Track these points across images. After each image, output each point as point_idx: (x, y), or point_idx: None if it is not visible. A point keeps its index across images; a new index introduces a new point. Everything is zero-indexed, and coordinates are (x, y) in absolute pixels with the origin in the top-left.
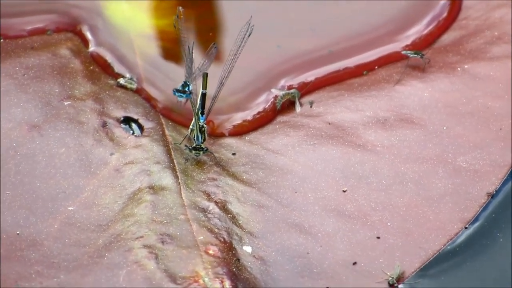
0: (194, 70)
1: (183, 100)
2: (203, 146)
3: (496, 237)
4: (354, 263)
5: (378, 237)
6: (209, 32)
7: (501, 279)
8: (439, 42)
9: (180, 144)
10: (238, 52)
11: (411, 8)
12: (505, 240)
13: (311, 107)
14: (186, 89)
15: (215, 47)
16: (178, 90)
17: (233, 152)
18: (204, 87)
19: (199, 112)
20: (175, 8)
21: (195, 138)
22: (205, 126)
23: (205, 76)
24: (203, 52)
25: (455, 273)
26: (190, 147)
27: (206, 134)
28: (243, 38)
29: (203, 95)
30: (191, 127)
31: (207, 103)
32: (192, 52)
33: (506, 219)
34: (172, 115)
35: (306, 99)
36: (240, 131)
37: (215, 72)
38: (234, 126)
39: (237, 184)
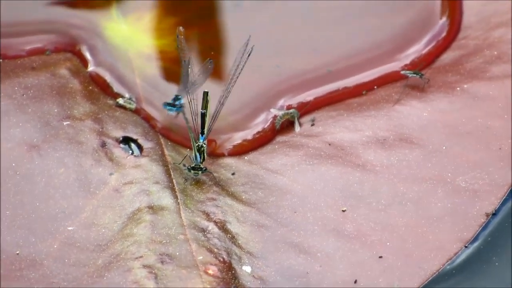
0: (188, 84)
1: (173, 114)
2: (202, 166)
3: (493, 261)
4: (355, 281)
5: (380, 257)
6: (210, 51)
7: None
8: (439, 62)
9: (180, 164)
10: (237, 72)
11: (410, 27)
12: (501, 264)
13: (312, 125)
14: (177, 102)
15: (211, 62)
16: (168, 104)
17: (233, 172)
18: (204, 107)
19: (201, 131)
20: (174, 28)
21: (194, 157)
22: (204, 145)
23: (205, 96)
24: (199, 68)
25: None
26: (189, 167)
27: (205, 154)
28: (242, 57)
29: (203, 115)
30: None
31: (207, 122)
32: (189, 67)
33: (504, 242)
34: (171, 135)
35: (306, 118)
36: (240, 151)
37: (214, 91)
38: (233, 146)
39: (237, 204)
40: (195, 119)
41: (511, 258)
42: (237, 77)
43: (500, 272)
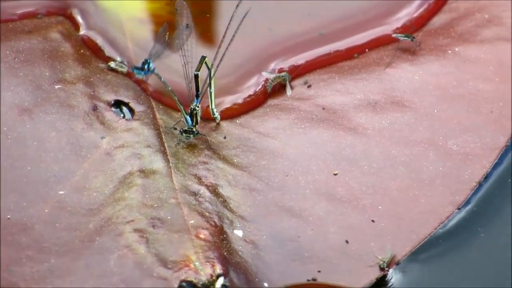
0: (158, 49)
1: (142, 77)
2: (194, 129)
3: (485, 225)
4: (346, 241)
5: (372, 221)
6: (202, 15)
7: (488, 264)
8: (430, 25)
9: (171, 128)
10: (232, 36)
11: None
12: (493, 229)
13: (309, 86)
14: (146, 66)
15: (187, 27)
16: (136, 68)
17: (224, 135)
18: (198, 68)
19: (196, 94)
20: None
21: (184, 121)
22: (197, 109)
23: (202, 60)
24: (175, 33)
25: (446, 259)
26: (181, 130)
27: (198, 117)
28: (232, 19)
29: (196, 77)
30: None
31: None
32: (165, 32)
33: (497, 206)
34: (162, 99)
35: (298, 82)
36: (231, 114)
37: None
38: (224, 109)
39: (228, 167)
40: (189, 83)
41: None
42: (231, 41)
43: (493, 237)
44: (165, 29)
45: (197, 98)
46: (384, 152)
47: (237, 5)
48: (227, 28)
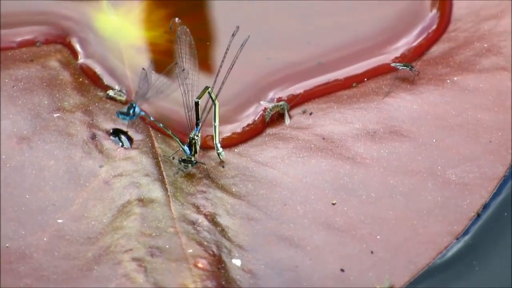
0: (144, 92)
1: (127, 122)
2: (192, 159)
3: (483, 255)
4: (343, 271)
5: (371, 252)
6: (199, 43)
7: None
8: (429, 54)
9: (170, 156)
10: (231, 65)
11: (401, 20)
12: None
13: (310, 113)
14: (131, 111)
15: (177, 65)
16: (121, 112)
17: (222, 164)
18: (199, 96)
19: (196, 123)
20: (164, 20)
21: (183, 151)
22: (196, 138)
23: (204, 89)
24: (164, 72)
25: None
26: (179, 159)
27: (197, 147)
28: (228, 48)
29: (196, 104)
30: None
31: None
32: (149, 72)
33: (495, 236)
34: (161, 128)
35: (296, 111)
36: (230, 143)
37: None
38: (223, 138)
39: (227, 196)
40: (188, 111)
41: (498, 253)
42: (230, 69)
43: (492, 267)
44: (150, 69)
45: (197, 127)
46: (383, 181)
47: (233, 34)
48: (224, 57)
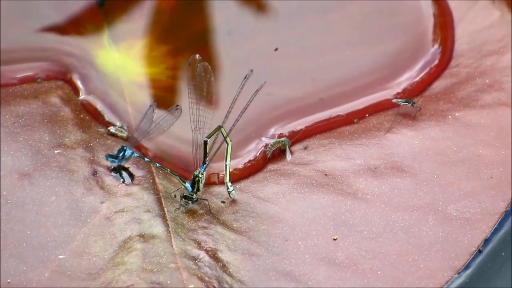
0: (140, 133)
1: (115, 165)
2: (194, 196)
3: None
4: None
5: None
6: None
7: None
8: (430, 90)
9: (172, 193)
10: (243, 108)
11: (403, 55)
12: None
13: (305, 148)
14: (121, 154)
15: (177, 108)
16: (110, 156)
17: (223, 200)
18: (209, 135)
19: (203, 161)
20: (166, 57)
21: (185, 188)
22: (200, 176)
23: (216, 129)
24: (163, 114)
25: None
26: (181, 195)
27: (201, 185)
28: (241, 89)
29: (205, 143)
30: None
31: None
32: (152, 112)
33: (495, 271)
34: (163, 163)
35: (297, 147)
36: (231, 179)
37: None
38: (224, 174)
39: (228, 232)
40: (196, 149)
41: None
42: (244, 110)
43: None
44: (153, 109)
45: (203, 165)
46: (384, 217)
47: (246, 77)
48: (235, 98)
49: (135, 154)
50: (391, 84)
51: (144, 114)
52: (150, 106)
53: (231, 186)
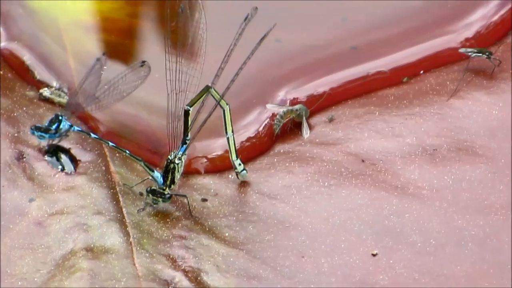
0: (88, 98)
1: (45, 143)
2: (166, 190)
3: None
4: None
5: None
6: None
7: None
8: None
9: (133, 186)
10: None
11: None
12: None
13: (330, 121)
14: (54, 126)
15: (142, 64)
16: (38, 128)
17: (206, 197)
18: (192, 102)
19: (182, 139)
20: None
21: (154, 179)
22: (177, 162)
23: (204, 90)
24: (126, 70)
25: None
26: (147, 189)
27: (177, 174)
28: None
29: (186, 114)
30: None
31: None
32: (103, 68)
33: None
34: (121, 143)
35: (319, 118)
36: (221, 166)
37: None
38: (212, 158)
39: (216, 244)
40: (173, 121)
41: None
42: (241, 69)
43: None
44: (102, 64)
45: (182, 146)
46: (447, 222)
47: (247, 17)
48: (233, 45)
49: (76, 128)
50: (456, 25)
51: (90, 69)
52: (97, 59)
53: (240, 164)
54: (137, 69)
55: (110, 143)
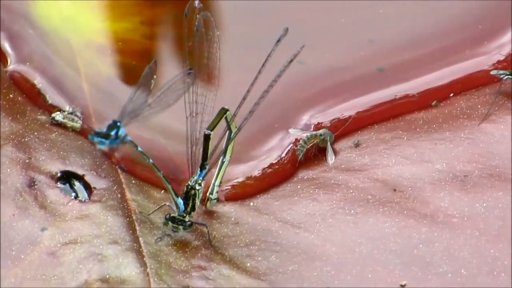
0: (140, 105)
1: (105, 149)
2: (187, 218)
3: None
4: None
5: None
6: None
7: None
8: None
9: (150, 214)
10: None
11: (506, 4)
12: None
13: (356, 146)
14: (113, 132)
15: (190, 71)
16: (97, 134)
17: (231, 224)
18: (212, 126)
19: (201, 164)
20: (141, 5)
21: (175, 204)
22: (198, 187)
23: (221, 114)
24: (170, 80)
25: None
26: (167, 217)
27: (197, 201)
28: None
29: (206, 138)
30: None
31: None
32: (154, 77)
33: None
34: (136, 169)
35: (345, 143)
36: (242, 193)
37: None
38: (232, 186)
39: (238, 275)
40: (193, 145)
41: None
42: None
43: None
44: (152, 71)
45: (201, 171)
46: (478, 251)
47: (279, 39)
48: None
49: (128, 138)
50: (488, 47)
51: (142, 77)
52: (149, 66)
53: (216, 192)
54: (183, 76)
55: (151, 161)
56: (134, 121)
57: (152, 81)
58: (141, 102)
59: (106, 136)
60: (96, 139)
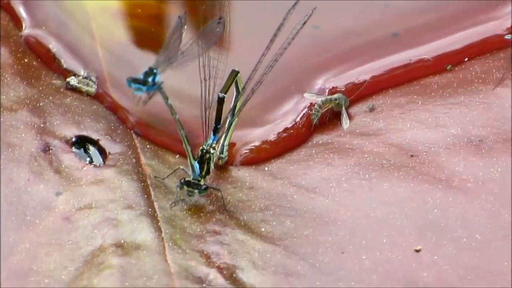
0: (173, 53)
1: (143, 96)
2: (202, 182)
3: None
4: None
5: None
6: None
7: None
8: None
9: (165, 178)
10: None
11: None
12: None
13: (371, 110)
14: (149, 79)
15: (220, 22)
16: (135, 80)
17: (246, 189)
18: (225, 89)
19: (214, 127)
20: None
21: (191, 168)
22: (212, 151)
23: (233, 76)
24: (200, 30)
25: None
26: (181, 181)
27: (212, 164)
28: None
29: (220, 101)
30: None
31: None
32: (182, 27)
33: None
34: (151, 134)
35: (359, 107)
36: (257, 158)
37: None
38: (248, 150)
39: (252, 239)
40: (207, 109)
41: None
42: (280, 55)
43: None
44: (183, 22)
45: (214, 134)
46: (493, 216)
47: (294, 5)
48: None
49: (162, 87)
50: (502, 11)
51: (174, 27)
52: (179, 17)
53: (226, 151)
54: (214, 25)
55: (176, 116)
56: (169, 68)
57: (183, 30)
58: (175, 50)
59: (143, 82)
60: (134, 85)
